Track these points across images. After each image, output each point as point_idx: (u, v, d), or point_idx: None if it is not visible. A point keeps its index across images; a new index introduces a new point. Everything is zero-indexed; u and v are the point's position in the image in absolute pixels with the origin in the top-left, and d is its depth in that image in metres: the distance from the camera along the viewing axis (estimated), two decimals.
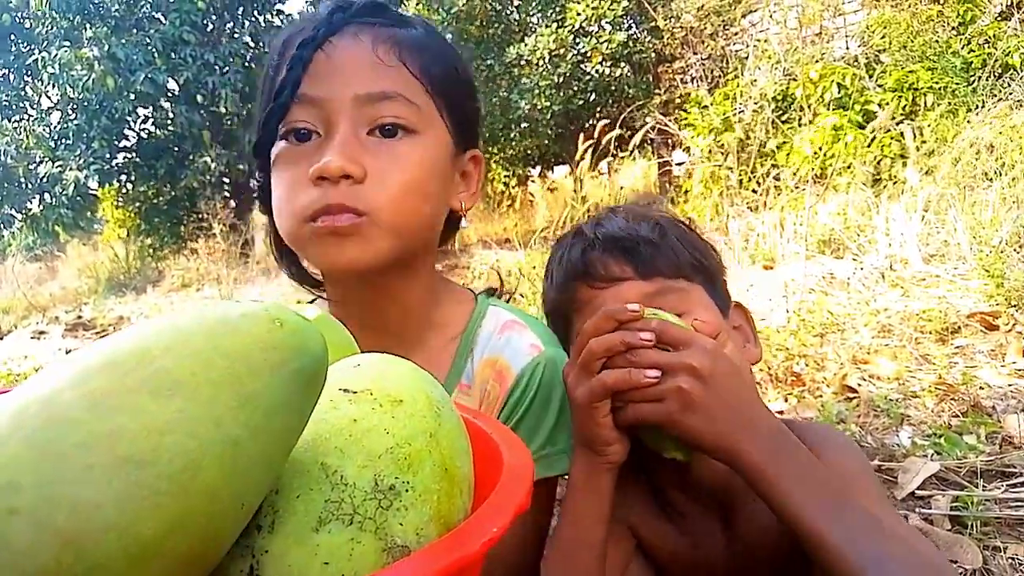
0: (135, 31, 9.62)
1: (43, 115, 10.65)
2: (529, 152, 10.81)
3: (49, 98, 10.69)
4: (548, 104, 9.23)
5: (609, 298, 0.85)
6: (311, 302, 1.04)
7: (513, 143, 10.63)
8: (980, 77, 4.91)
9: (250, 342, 0.35)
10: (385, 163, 0.81)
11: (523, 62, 9.35)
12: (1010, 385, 2.05)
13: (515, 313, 0.99)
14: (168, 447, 0.31)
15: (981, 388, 2.06)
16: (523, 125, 10.09)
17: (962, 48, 5.26)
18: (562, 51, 8.87)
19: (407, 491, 0.41)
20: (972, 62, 5.10)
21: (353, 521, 0.39)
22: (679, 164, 6.65)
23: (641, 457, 0.81)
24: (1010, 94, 4.58)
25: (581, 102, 9.16)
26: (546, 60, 9.03)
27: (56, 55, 9.14)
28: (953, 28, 5.47)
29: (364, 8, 0.86)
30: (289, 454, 0.38)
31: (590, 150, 5.20)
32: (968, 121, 4.35)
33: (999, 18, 5.44)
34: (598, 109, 8.84)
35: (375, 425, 0.43)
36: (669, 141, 6.74)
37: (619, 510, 0.89)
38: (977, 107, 4.63)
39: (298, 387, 0.37)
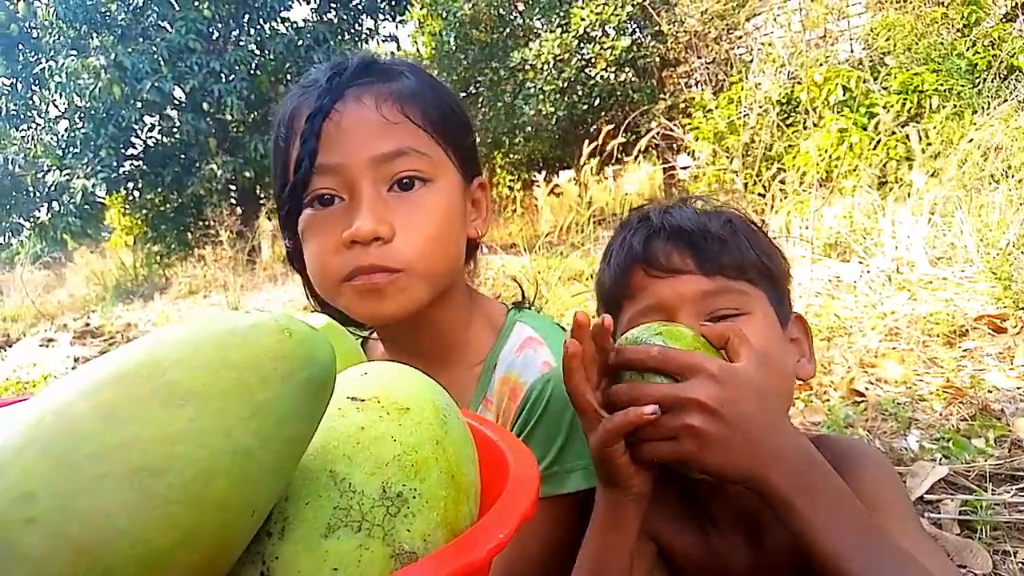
0: (141, 40, 9.68)
1: (50, 124, 10.71)
2: (533, 157, 10.83)
3: (56, 107, 10.76)
4: (553, 109, 9.25)
5: (665, 289, 0.83)
6: (363, 340, 1.12)
7: (518, 148, 10.65)
8: (985, 79, 4.91)
9: (260, 352, 0.36)
10: (409, 217, 0.86)
11: (528, 67, 9.37)
12: (1019, 388, 2.04)
13: (539, 328, 1.02)
14: (180, 457, 0.31)
15: (989, 391, 2.06)
16: (528, 130, 10.11)
17: (967, 50, 5.25)
18: (567, 56, 8.90)
19: (414, 498, 0.42)
20: (977, 64, 5.10)
21: (362, 528, 0.40)
22: (684, 168, 6.64)
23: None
24: (1015, 96, 4.57)
25: (586, 107, 9.18)
26: (551, 65, 9.06)
27: (63, 64, 9.19)
28: (958, 30, 5.47)
29: (357, 69, 0.91)
30: (298, 462, 0.39)
31: (595, 155, 5.21)
32: (974, 123, 4.34)
33: (1004, 20, 5.44)
34: (603, 114, 8.85)
35: (383, 433, 0.44)
36: (674, 145, 6.74)
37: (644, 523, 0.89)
38: (982, 109, 4.63)
39: (307, 396, 0.37)
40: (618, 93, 8.86)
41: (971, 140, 4.06)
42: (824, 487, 0.67)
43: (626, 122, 6.49)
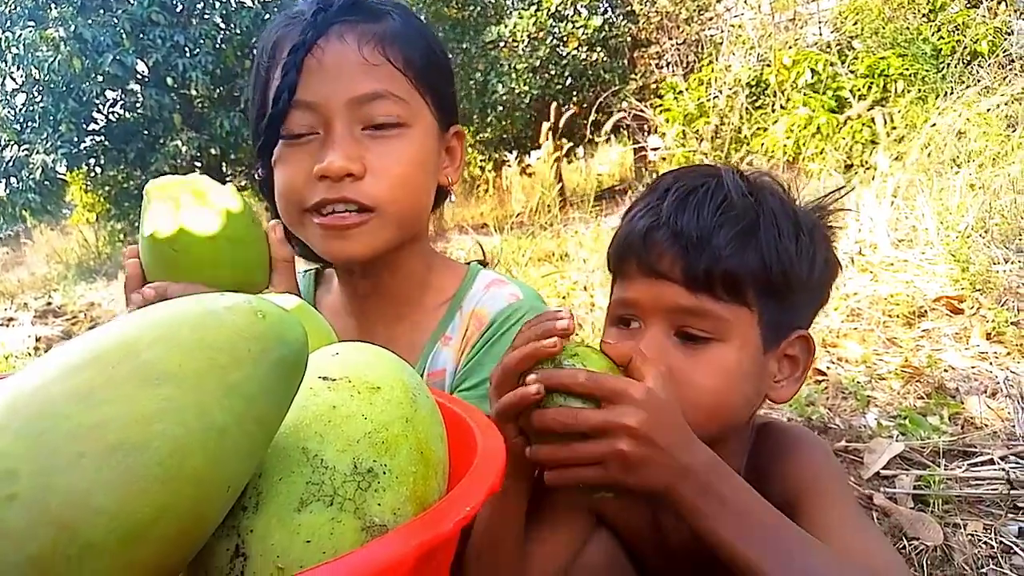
0: (102, 11, 9.40)
1: (8, 97, 10.37)
2: (505, 136, 10.78)
3: (14, 80, 10.41)
4: (526, 88, 9.21)
5: (646, 290, 0.81)
6: (318, 271, 1.13)
7: (489, 127, 10.59)
8: (949, 64, 4.99)
9: (233, 333, 0.37)
10: (382, 159, 0.87)
11: (501, 44, 9.30)
12: (973, 367, 2.11)
13: (503, 276, 1.06)
14: (156, 435, 0.32)
15: (945, 371, 2.12)
16: (499, 109, 10.06)
17: (932, 35, 5.33)
18: (541, 35, 8.85)
19: (384, 473, 0.43)
20: (941, 49, 5.18)
21: (333, 502, 0.41)
22: (654, 150, 6.68)
23: None
24: (978, 81, 4.66)
25: (558, 86, 9.15)
26: (524, 43, 9.00)
27: (20, 35, 8.91)
28: (923, 15, 5.54)
29: (344, 6, 0.90)
30: (272, 439, 0.40)
31: (550, 134, 5.21)
32: (937, 107, 4.42)
33: (968, 5, 5.53)
34: (574, 94, 8.84)
35: (354, 411, 0.45)
36: (645, 126, 6.76)
37: (581, 498, 0.91)
38: (946, 94, 4.71)
39: (280, 376, 0.38)
40: (589, 73, 8.84)
41: (934, 125, 4.14)
42: (731, 495, 0.69)
43: (597, 102, 6.49)
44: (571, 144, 5.73)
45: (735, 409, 0.82)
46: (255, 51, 0.98)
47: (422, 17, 10.26)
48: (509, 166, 11.43)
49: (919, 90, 4.90)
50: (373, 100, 0.87)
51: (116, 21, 9.18)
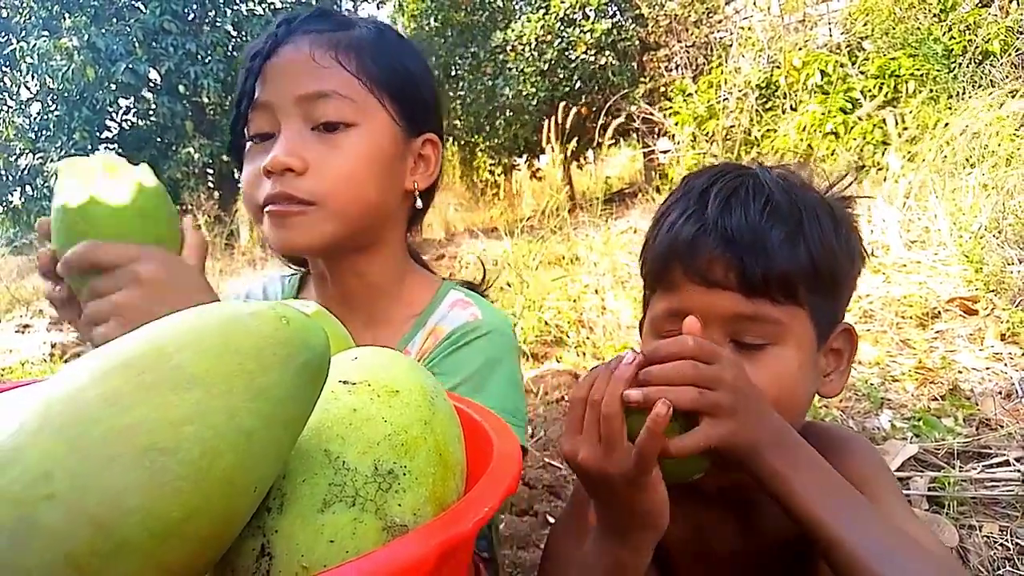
0: (115, 20, 9.52)
1: (23, 106, 10.51)
2: (514, 140, 10.80)
3: (28, 89, 10.55)
4: (534, 91, 9.23)
5: (700, 299, 0.78)
6: (304, 275, 1.16)
7: (499, 131, 10.61)
8: (960, 64, 4.96)
9: (259, 339, 0.38)
10: (325, 156, 0.90)
11: (509, 48, 9.32)
12: (987, 368, 2.10)
13: (469, 295, 1.08)
14: (187, 437, 0.33)
15: (960, 372, 2.11)
16: (508, 113, 10.08)
17: (943, 35, 5.30)
18: (549, 38, 8.86)
19: (404, 475, 0.44)
20: (953, 49, 5.15)
21: (355, 503, 0.42)
22: (664, 152, 6.67)
23: None
24: (990, 81, 4.63)
25: (567, 90, 9.16)
26: (532, 47, 9.02)
27: (35, 45, 9.02)
28: (934, 15, 5.51)
29: (310, 17, 0.96)
30: (296, 441, 0.41)
31: (559, 137, 5.21)
32: (949, 107, 4.39)
33: (979, 5, 5.49)
34: (583, 97, 8.84)
35: (374, 414, 0.46)
36: (655, 129, 6.76)
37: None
38: (958, 94, 4.68)
39: (304, 380, 0.39)
40: (599, 77, 8.85)
41: (946, 125, 4.12)
42: (809, 463, 0.69)
43: (607, 106, 6.50)
44: (580, 147, 5.73)
45: (798, 412, 0.81)
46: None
47: (431, 22, 10.28)
48: (518, 170, 11.44)
49: (931, 90, 4.88)
50: (319, 99, 0.90)
51: (129, 30, 9.28)
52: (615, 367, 0.68)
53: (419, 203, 1.04)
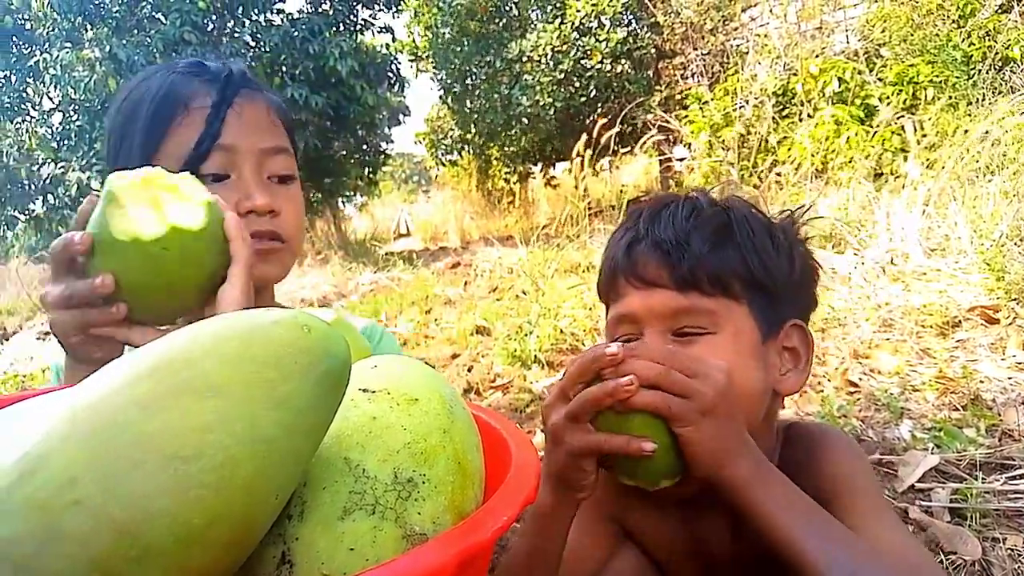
0: (136, 32, 9.64)
1: (45, 116, 10.66)
2: (530, 149, 10.83)
3: (51, 99, 10.71)
4: (550, 100, 9.25)
5: (638, 300, 0.85)
6: None
7: (514, 140, 10.65)
8: (980, 70, 4.92)
9: (281, 347, 0.38)
10: (287, 203, 1.06)
11: (525, 58, 9.36)
12: (1010, 378, 2.07)
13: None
14: (209, 444, 0.34)
15: (981, 382, 2.08)
16: (524, 122, 10.11)
17: (962, 41, 5.26)
18: (565, 48, 8.89)
19: (424, 483, 0.45)
20: (972, 55, 5.11)
21: (375, 511, 0.42)
22: (680, 160, 6.66)
23: None
24: (1010, 87, 4.59)
25: (583, 99, 9.18)
26: (548, 57, 9.05)
27: (58, 57, 9.16)
28: (953, 21, 5.48)
29: (243, 76, 1.07)
30: (317, 449, 0.41)
31: (588, 148, 5.23)
32: (969, 114, 4.36)
33: (999, 11, 5.45)
34: (599, 105, 8.86)
35: (393, 422, 0.46)
36: (670, 137, 6.75)
37: (608, 505, 0.92)
38: (977, 100, 4.64)
39: (325, 388, 0.40)
40: (614, 85, 8.86)
41: (966, 132, 4.08)
42: (779, 482, 0.72)
43: (622, 114, 6.50)
44: (596, 155, 5.74)
45: (745, 399, 0.82)
46: (133, 98, 1.07)
47: (447, 31, 10.37)
48: (534, 178, 11.45)
49: (950, 97, 4.84)
50: (277, 154, 1.04)
51: (149, 41, 9.40)
52: (605, 364, 0.71)
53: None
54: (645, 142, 5.57)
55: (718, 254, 0.83)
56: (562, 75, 9.04)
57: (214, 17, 10.13)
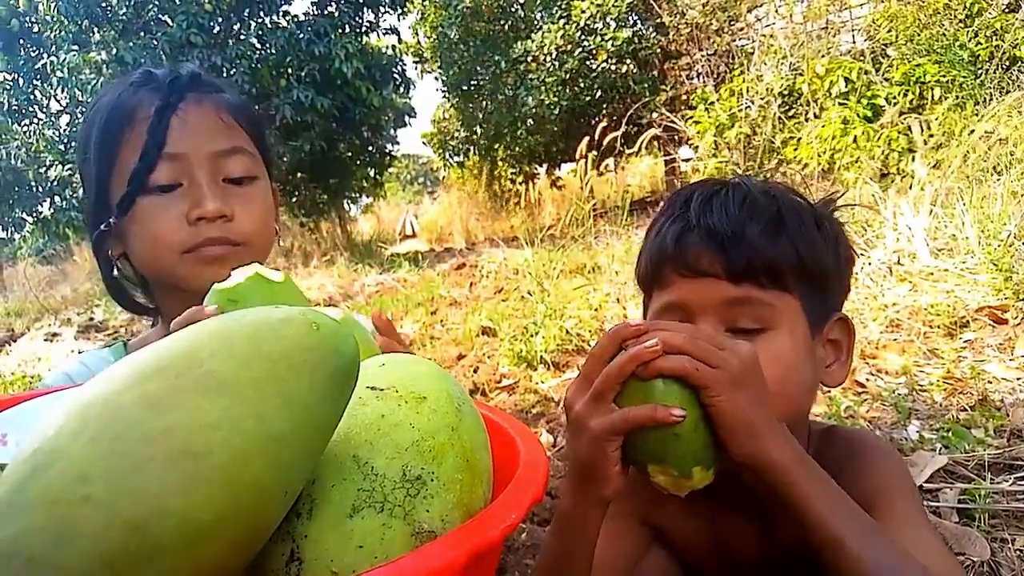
0: (142, 34, 9.68)
1: (52, 119, 10.72)
2: (535, 149, 10.82)
3: (58, 102, 10.77)
4: (555, 100, 9.25)
5: (691, 290, 0.82)
6: (108, 345, 1.25)
7: (519, 140, 10.64)
8: (987, 70, 4.90)
9: (290, 344, 0.38)
10: (244, 205, 1.02)
11: (530, 58, 9.36)
12: (1018, 379, 2.06)
13: None
14: (218, 442, 0.34)
15: (989, 382, 2.07)
16: (529, 122, 10.11)
17: (969, 41, 5.24)
18: (570, 47, 8.89)
19: (432, 481, 0.45)
20: (979, 55, 5.09)
21: (384, 508, 0.42)
22: (686, 160, 6.65)
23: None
24: (1018, 86, 4.57)
25: (588, 99, 9.17)
26: (553, 57, 9.05)
27: (65, 59, 9.21)
28: (960, 21, 5.45)
29: (193, 78, 1.04)
30: (325, 447, 0.41)
31: (592, 148, 5.23)
32: (976, 114, 4.34)
33: (1006, 10, 5.43)
34: (604, 106, 8.85)
35: (401, 420, 0.46)
36: (676, 137, 6.74)
37: (638, 506, 0.90)
38: (985, 100, 4.62)
39: (334, 385, 0.40)
40: (619, 85, 8.85)
41: (973, 131, 4.06)
42: (815, 467, 0.69)
43: (628, 114, 6.49)
44: (603, 157, 5.74)
45: (798, 396, 0.82)
46: (88, 118, 1.07)
47: (452, 32, 10.36)
48: (539, 179, 11.44)
49: (957, 97, 4.82)
50: (232, 155, 1.01)
51: (156, 43, 9.43)
52: (628, 335, 0.70)
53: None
54: (647, 140, 5.56)
55: (773, 246, 0.80)
56: (567, 75, 9.03)
57: (220, 19, 10.16)
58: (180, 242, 0.99)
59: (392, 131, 14.55)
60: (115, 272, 1.10)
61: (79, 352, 4.86)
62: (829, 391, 2.15)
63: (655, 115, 6.76)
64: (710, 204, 0.84)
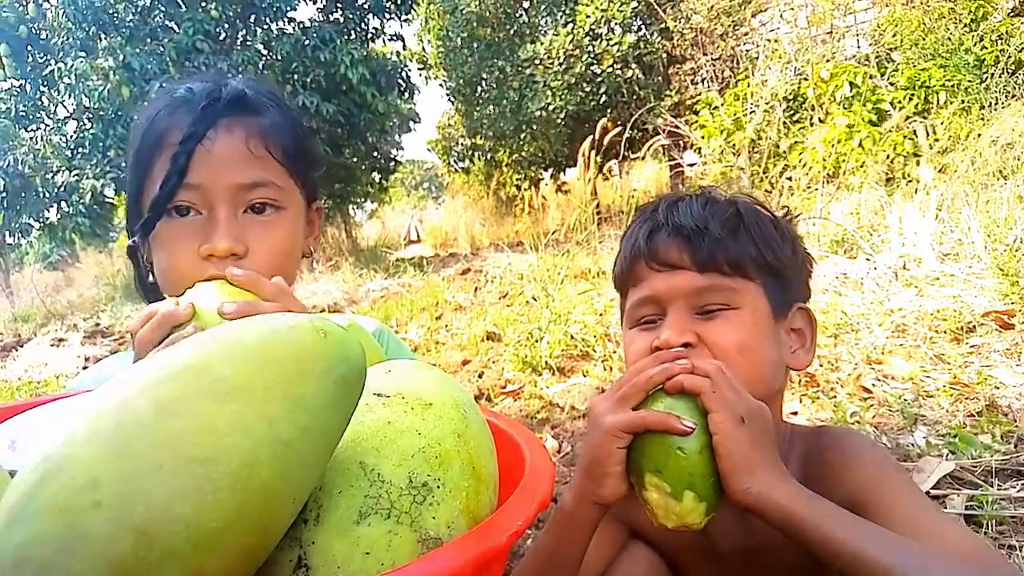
0: (149, 40, 9.72)
1: (59, 125, 10.75)
2: (540, 154, 10.84)
3: (65, 108, 10.80)
4: (560, 105, 9.26)
5: (661, 282, 0.90)
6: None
7: (524, 146, 10.66)
8: (993, 74, 4.89)
9: (298, 351, 0.38)
10: (261, 239, 0.98)
11: (536, 63, 9.37)
12: None
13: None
14: (227, 448, 0.34)
15: (996, 387, 2.06)
16: (534, 127, 10.12)
17: (974, 45, 5.23)
18: (575, 53, 8.90)
19: (439, 487, 0.45)
20: (985, 59, 5.07)
21: (391, 515, 0.42)
22: (691, 165, 6.65)
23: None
24: None
25: (592, 104, 9.18)
26: (558, 62, 9.06)
27: (72, 66, 9.25)
28: (965, 25, 5.44)
29: (231, 102, 1.00)
30: (333, 453, 0.41)
31: (592, 152, 5.23)
32: (981, 118, 4.32)
33: (1012, 14, 5.42)
34: (609, 111, 8.85)
35: (408, 427, 0.46)
36: (681, 142, 6.74)
37: (613, 507, 0.92)
38: (990, 104, 4.61)
39: (342, 391, 0.40)
40: (624, 90, 8.86)
41: (979, 136, 4.05)
42: (817, 500, 0.70)
43: (632, 119, 6.50)
44: (607, 161, 5.74)
45: (761, 367, 0.88)
46: (133, 129, 1.05)
47: (457, 38, 10.36)
48: (544, 184, 11.45)
49: (962, 101, 4.81)
50: (255, 188, 0.97)
51: (162, 50, 9.48)
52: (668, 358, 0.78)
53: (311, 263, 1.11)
54: (652, 146, 5.56)
55: (734, 239, 0.90)
56: (572, 80, 9.05)
57: (226, 26, 10.21)
58: (189, 274, 0.96)
59: (397, 137, 14.58)
60: (151, 278, 1.07)
61: (84, 358, 4.87)
62: (834, 395, 2.15)
63: (660, 120, 6.76)
64: (676, 206, 0.94)
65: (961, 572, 0.65)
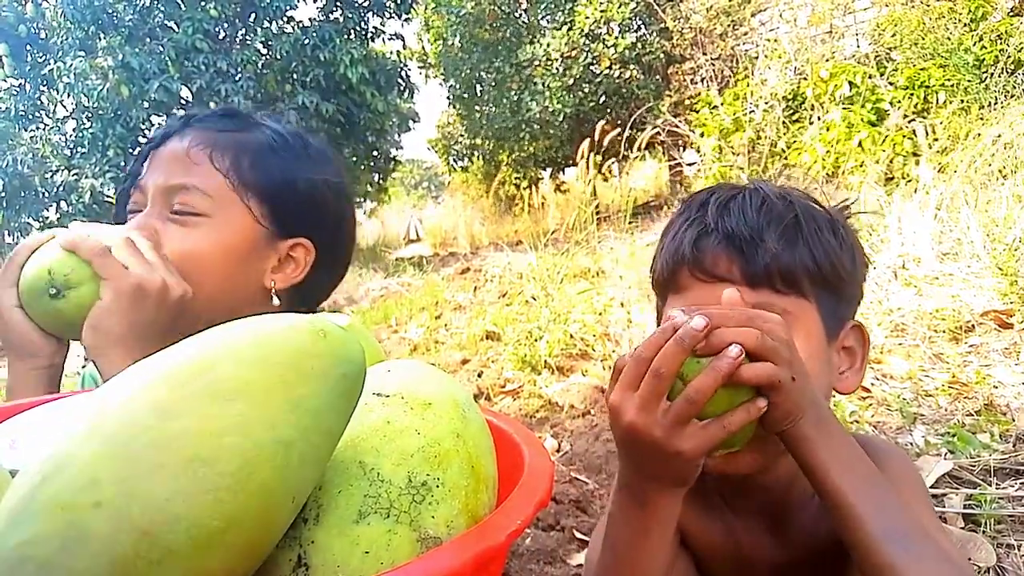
0: (148, 40, 9.73)
1: (59, 124, 10.76)
2: (540, 154, 10.85)
3: (64, 107, 10.81)
4: (559, 106, 9.27)
5: (708, 294, 0.80)
6: None
7: (524, 145, 10.67)
8: (992, 74, 4.89)
9: (298, 351, 0.39)
10: (172, 238, 0.98)
11: (535, 64, 9.39)
12: None
13: None
14: (227, 448, 0.34)
15: (995, 387, 2.07)
16: (534, 127, 10.13)
17: (974, 45, 5.23)
18: (574, 53, 8.91)
19: (438, 487, 0.45)
20: (984, 59, 5.07)
21: (390, 514, 0.42)
22: (690, 164, 6.66)
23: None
24: (1023, 91, 4.56)
25: (592, 104, 9.19)
26: (558, 62, 9.07)
27: (71, 65, 9.25)
28: (965, 25, 5.44)
29: (214, 114, 1.03)
30: (332, 453, 0.42)
31: (592, 152, 5.23)
32: (981, 118, 4.33)
33: (1011, 14, 5.42)
34: (608, 111, 8.86)
35: (407, 426, 0.47)
36: (680, 142, 6.75)
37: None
38: (990, 104, 4.62)
39: (342, 391, 0.40)
40: (624, 90, 8.86)
41: (978, 135, 4.06)
42: (840, 439, 0.68)
43: (632, 119, 6.50)
44: (606, 160, 5.75)
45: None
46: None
47: (456, 38, 10.33)
48: (544, 183, 11.46)
49: (962, 101, 4.81)
50: (179, 191, 0.97)
51: (162, 49, 9.48)
52: (674, 331, 0.65)
53: (275, 300, 1.05)
54: (651, 144, 5.57)
55: (790, 251, 0.80)
56: (571, 80, 9.06)
57: (226, 25, 10.21)
58: None
59: (397, 136, 14.60)
60: None
61: (84, 357, 4.85)
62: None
63: (659, 120, 6.76)
64: (728, 208, 0.84)
65: (935, 559, 0.64)
